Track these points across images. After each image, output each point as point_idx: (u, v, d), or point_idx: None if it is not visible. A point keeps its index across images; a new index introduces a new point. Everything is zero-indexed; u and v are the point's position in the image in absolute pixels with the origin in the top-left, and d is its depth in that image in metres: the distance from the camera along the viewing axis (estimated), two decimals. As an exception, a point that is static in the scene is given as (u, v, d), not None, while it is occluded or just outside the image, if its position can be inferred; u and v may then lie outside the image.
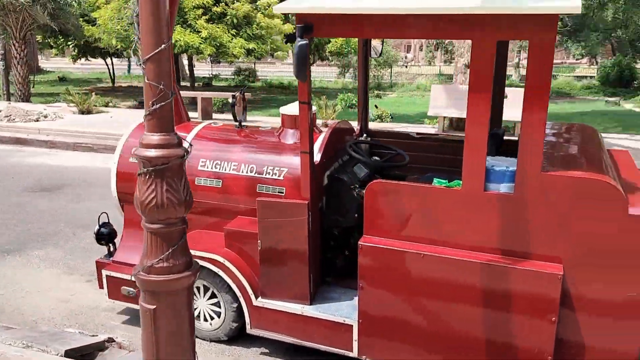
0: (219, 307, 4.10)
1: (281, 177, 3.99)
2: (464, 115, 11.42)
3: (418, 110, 17.50)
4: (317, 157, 3.82)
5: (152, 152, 2.30)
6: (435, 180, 3.55)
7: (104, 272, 4.35)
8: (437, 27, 3.12)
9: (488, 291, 3.24)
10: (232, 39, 18.69)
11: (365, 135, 4.73)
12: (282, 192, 3.97)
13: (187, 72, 30.96)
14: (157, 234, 2.37)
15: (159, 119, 2.31)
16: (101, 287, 4.46)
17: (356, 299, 3.88)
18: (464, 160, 3.20)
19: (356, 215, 3.96)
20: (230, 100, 4.32)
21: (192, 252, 3.89)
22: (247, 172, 4.09)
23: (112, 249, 4.55)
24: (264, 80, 29.71)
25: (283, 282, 3.84)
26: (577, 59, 35.76)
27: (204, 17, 18.44)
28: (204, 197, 4.19)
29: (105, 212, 4.57)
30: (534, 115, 3.02)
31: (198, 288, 4.14)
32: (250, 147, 4.22)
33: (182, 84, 24.86)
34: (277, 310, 3.86)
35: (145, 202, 2.31)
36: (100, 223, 4.51)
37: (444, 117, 11.54)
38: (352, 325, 3.66)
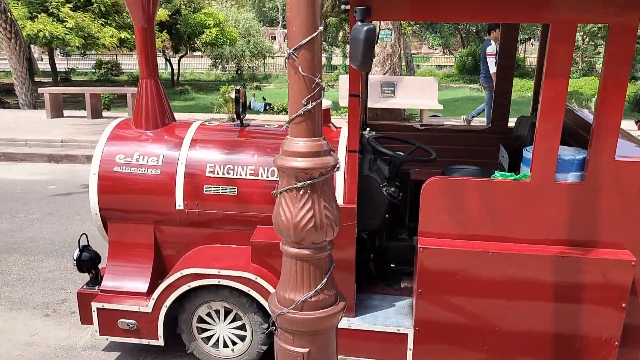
0: (244, 330, 3.62)
1: (309, 180, 3.59)
2: (375, 106, 11.55)
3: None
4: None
5: (305, 162, 1.86)
6: (497, 173, 3.39)
7: (95, 305, 3.64)
8: (513, 9, 2.94)
9: (559, 284, 3.17)
10: (101, 29, 17.25)
11: (368, 129, 4.45)
12: (312, 196, 3.58)
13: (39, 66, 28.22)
14: (308, 261, 1.94)
15: (311, 120, 1.87)
16: (86, 322, 3.75)
17: (399, 305, 3.64)
18: (534, 151, 3.08)
19: (386, 215, 3.70)
20: (232, 95, 3.81)
21: (216, 271, 3.42)
22: (267, 176, 3.63)
23: (93, 275, 3.83)
24: (129, 74, 27.87)
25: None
26: (431, 49, 37.96)
27: (68, 5, 16.77)
28: (215, 207, 3.67)
29: (85, 234, 3.83)
30: (611, 101, 2.95)
31: (217, 311, 3.62)
32: (266, 148, 3.75)
33: (37, 79, 22.51)
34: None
35: (302, 224, 1.87)
36: (80, 246, 3.77)
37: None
38: (407, 335, 3.40)
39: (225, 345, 3.69)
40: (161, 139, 3.84)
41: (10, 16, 13.78)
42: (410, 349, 3.41)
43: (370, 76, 11.78)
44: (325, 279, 1.95)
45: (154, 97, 3.89)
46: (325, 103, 3.83)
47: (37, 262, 5.32)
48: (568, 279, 3.14)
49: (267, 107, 15.03)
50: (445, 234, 3.25)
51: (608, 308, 3.17)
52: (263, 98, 16.72)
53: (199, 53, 27.22)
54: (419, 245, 3.19)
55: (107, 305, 3.64)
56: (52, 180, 8.25)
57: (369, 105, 11.54)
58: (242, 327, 3.63)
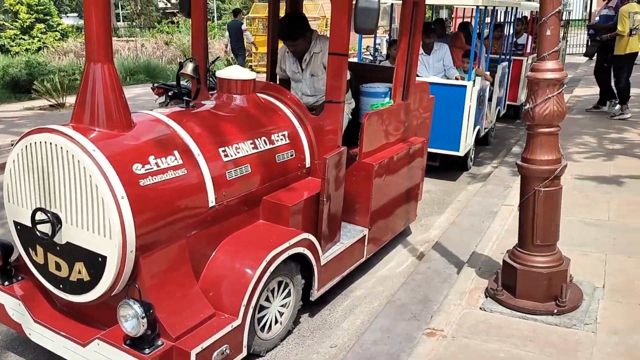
0: (289, 296, 3.64)
1: (288, 140, 3.82)
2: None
3: None
4: None
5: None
6: None
7: (194, 352, 2.80)
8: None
9: None
10: None
11: None
12: (293, 155, 3.86)
13: None
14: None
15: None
16: None
17: None
18: None
19: None
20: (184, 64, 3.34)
21: (286, 243, 3.45)
22: (263, 146, 3.62)
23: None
24: None
25: (334, 227, 3.96)
26: None
27: None
28: (237, 191, 3.42)
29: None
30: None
31: (272, 290, 3.48)
32: (240, 119, 3.63)
33: None
34: (335, 255, 3.94)
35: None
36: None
37: None
38: None
39: (276, 322, 3.60)
40: (150, 132, 3.13)
41: None
42: None
43: None
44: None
45: (116, 86, 2.96)
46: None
47: None
48: None
49: None
50: None
51: None
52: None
53: None
54: None
55: (205, 344, 2.90)
56: None
57: None
58: (287, 295, 3.63)
